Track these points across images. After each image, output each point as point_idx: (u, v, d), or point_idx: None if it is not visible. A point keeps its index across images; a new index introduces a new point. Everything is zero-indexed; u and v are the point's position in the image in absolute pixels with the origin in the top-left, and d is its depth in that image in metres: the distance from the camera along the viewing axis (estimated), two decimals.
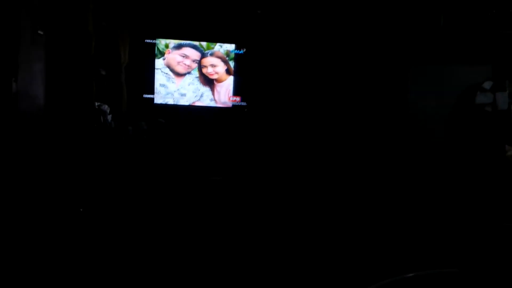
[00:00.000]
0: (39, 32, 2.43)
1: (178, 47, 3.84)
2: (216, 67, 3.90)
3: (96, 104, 2.83)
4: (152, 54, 3.78)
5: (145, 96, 3.78)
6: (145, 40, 3.76)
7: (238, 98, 3.97)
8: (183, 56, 3.85)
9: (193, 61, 3.86)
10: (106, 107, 2.93)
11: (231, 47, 3.93)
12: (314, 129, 3.93)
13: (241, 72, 3.93)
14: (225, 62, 3.92)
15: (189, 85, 3.88)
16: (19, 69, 2.21)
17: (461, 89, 3.94)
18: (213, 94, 3.92)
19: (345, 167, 3.62)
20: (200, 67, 3.87)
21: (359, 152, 3.75)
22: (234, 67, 3.92)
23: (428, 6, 3.74)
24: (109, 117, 2.96)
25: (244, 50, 3.94)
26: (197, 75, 3.88)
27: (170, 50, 3.83)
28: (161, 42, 3.81)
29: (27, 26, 2.30)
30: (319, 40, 4.04)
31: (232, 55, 3.92)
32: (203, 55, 3.88)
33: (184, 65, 3.85)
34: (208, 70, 3.89)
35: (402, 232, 2.46)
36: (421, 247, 2.25)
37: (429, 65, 3.97)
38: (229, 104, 3.96)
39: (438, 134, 3.94)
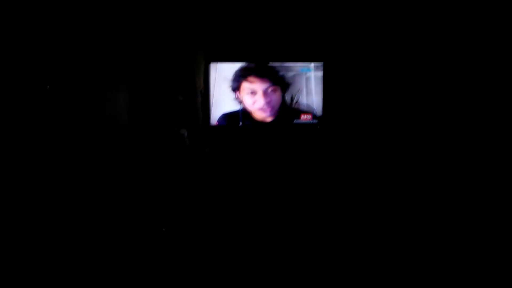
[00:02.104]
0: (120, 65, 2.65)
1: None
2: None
3: (175, 128, 3.00)
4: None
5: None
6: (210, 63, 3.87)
7: (309, 116, 3.96)
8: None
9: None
10: (184, 131, 3.08)
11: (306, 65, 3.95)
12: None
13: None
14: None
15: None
16: (106, 100, 2.42)
17: None
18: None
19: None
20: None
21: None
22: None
23: None
24: (187, 140, 3.11)
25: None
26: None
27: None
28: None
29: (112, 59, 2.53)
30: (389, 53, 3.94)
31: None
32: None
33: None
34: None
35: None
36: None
37: None
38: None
39: None
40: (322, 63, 3.96)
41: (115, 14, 2.53)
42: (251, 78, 3.91)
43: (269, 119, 3.96)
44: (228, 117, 3.89)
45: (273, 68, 3.94)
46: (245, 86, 3.90)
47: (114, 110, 2.53)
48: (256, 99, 3.89)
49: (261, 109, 3.92)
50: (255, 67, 3.92)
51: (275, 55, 4.02)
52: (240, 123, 3.91)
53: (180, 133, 3.00)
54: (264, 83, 3.90)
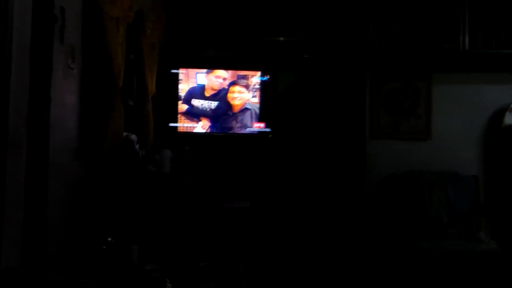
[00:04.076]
0: (71, 66, 2.51)
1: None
2: (241, 94, 3.95)
3: (125, 134, 2.89)
4: (176, 84, 3.87)
5: (171, 125, 3.85)
6: (171, 71, 3.86)
7: (262, 125, 3.98)
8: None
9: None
10: (134, 137, 2.98)
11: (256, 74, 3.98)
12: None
13: (265, 99, 3.97)
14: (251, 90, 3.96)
15: None
16: (51, 102, 2.27)
17: (490, 111, 3.88)
18: (236, 121, 3.96)
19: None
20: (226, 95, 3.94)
21: None
22: (260, 94, 3.96)
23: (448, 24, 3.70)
24: (137, 146, 3.01)
25: (268, 77, 3.98)
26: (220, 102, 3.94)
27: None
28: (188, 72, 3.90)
29: (60, 60, 2.38)
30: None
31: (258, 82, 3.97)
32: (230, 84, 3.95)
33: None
34: (234, 97, 3.94)
35: None
36: None
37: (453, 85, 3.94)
38: (255, 131, 3.98)
39: (465, 158, 3.86)
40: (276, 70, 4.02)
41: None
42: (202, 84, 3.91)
43: (216, 126, 3.95)
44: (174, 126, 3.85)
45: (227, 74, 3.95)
46: (196, 90, 3.89)
47: (61, 114, 2.38)
48: (205, 103, 3.89)
49: (209, 112, 3.91)
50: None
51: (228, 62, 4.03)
52: (193, 130, 3.86)
53: (130, 139, 2.89)
54: (214, 87, 3.91)
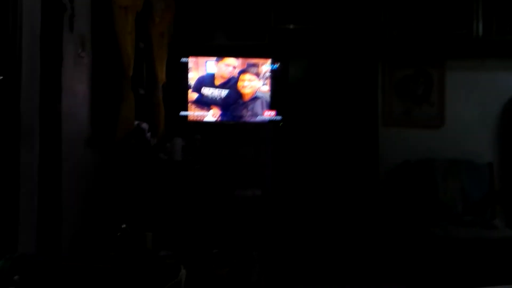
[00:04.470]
0: (81, 55, 2.51)
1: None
2: (252, 82, 3.92)
3: (136, 122, 2.89)
4: (186, 72, 3.85)
5: (182, 113, 3.84)
6: (180, 60, 3.84)
7: (273, 113, 3.95)
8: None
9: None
10: (145, 125, 2.98)
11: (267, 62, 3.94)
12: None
13: (276, 87, 3.94)
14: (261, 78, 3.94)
15: None
16: (62, 91, 2.28)
17: (505, 97, 3.81)
18: (247, 109, 3.94)
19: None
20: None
21: None
22: (270, 82, 3.93)
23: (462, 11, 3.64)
24: (148, 134, 3.01)
25: (279, 65, 3.94)
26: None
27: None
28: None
29: (70, 49, 2.38)
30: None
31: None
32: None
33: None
34: (244, 86, 3.92)
35: None
36: None
37: (467, 71, 3.88)
38: (265, 119, 3.95)
39: (480, 145, 3.81)
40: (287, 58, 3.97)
41: None
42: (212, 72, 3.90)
43: (227, 114, 3.94)
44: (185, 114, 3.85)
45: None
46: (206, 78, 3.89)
47: (72, 103, 2.38)
48: (216, 90, 3.88)
49: (220, 99, 3.90)
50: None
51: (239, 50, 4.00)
52: (203, 119, 3.85)
53: (141, 128, 2.89)
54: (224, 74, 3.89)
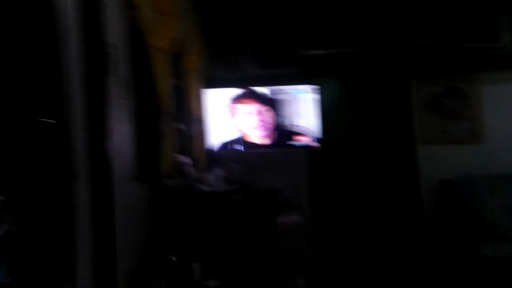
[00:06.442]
0: (124, 97, 2.66)
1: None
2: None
3: (178, 157, 3.01)
4: None
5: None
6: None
7: (308, 138, 4.00)
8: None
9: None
10: (186, 159, 3.09)
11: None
12: None
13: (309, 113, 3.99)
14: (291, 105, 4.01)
15: None
16: (112, 133, 2.42)
17: None
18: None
19: None
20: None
21: None
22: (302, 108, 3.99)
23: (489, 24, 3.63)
24: (190, 168, 3.12)
25: (310, 90, 4.00)
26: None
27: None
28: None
29: (114, 92, 2.54)
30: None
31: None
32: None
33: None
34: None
35: None
36: None
37: (503, 84, 3.81)
38: (302, 144, 4.00)
39: None
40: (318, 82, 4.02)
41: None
42: (244, 101, 3.98)
43: (264, 142, 4.00)
44: (227, 145, 3.93)
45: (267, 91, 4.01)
46: (240, 108, 3.96)
47: (119, 143, 2.52)
48: (250, 120, 3.95)
49: (255, 128, 3.97)
50: (248, 91, 3.99)
51: (269, 79, 4.10)
52: (239, 148, 3.94)
53: (183, 162, 3.01)
54: (256, 103, 3.96)
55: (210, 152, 3.78)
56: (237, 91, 3.95)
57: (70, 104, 2.15)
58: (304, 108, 3.95)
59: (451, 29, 3.68)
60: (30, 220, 1.86)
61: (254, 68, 4.21)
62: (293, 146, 3.95)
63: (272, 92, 3.97)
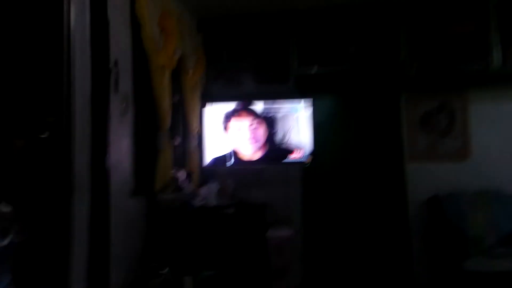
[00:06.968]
0: (124, 112, 2.77)
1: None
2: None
3: (173, 170, 3.10)
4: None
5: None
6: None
7: (299, 154, 4.08)
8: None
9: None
10: (181, 173, 3.19)
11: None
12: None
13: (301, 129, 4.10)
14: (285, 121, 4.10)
15: None
16: (109, 146, 2.52)
17: None
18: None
19: None
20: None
21: None
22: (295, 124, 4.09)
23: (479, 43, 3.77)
24: (184, 181, 3.21)
25: (303, 106, 4.10)
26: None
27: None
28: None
29: (115, 107, 2.64)
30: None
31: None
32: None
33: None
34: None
35: None
36: None
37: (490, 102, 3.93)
38: (292, 160, 4.08)
39: (508, 175, 3.81)
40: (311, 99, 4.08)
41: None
42: (238, 116, 4.06)
43: (256, 157, 4.06)
44: (217, 160, 3.98)
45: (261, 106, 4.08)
46: (233, 123, 4.03)
47: (118, 157, 2.61)
48: (243, 135, 4.01)
49: (249, 143, 4.03)
50: (243, 106, 4.06)
51: (264, 94, 4.20)
52: (228, 163, 3.98)
53: (177, 176, 3.10)
54: (248, 118, 4.03)
55: (204, 167, 3.86)
56: (231, 106, 4.04)
57: (72, 119, 2.25)
58: (297, 124, 4.05)
59: (442, 48, 3.82)
60: (31, 230, 1.95)
61: (250, 84, 4.32)
62: (286, 161, 4.04)
63: (266, 107, 4.07)
